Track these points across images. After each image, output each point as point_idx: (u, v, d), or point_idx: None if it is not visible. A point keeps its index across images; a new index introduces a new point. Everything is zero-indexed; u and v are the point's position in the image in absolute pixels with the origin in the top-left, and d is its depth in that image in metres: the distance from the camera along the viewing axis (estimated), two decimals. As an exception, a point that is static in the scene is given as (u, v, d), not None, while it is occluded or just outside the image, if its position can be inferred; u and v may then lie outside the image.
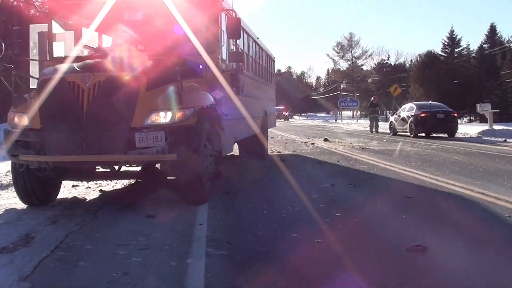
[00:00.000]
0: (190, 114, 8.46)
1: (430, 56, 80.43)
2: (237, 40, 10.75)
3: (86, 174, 9.55)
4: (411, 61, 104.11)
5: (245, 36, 13.70)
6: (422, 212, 8.50)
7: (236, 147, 16.42)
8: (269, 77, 20.40)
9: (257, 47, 16.58)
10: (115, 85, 8.25)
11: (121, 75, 8.36)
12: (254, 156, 17.21)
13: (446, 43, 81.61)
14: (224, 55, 10.67)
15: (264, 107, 17.97)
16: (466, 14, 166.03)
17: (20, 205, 9.26)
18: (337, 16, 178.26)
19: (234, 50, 10.62)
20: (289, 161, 16.66)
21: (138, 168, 9.54)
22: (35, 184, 9.05)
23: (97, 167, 9.39)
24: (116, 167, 9.25)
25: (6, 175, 12.12)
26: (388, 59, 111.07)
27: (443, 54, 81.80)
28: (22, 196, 9.21)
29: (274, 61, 22.26)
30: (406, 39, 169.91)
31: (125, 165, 9.08)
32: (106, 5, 10.00)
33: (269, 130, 20.07)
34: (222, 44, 10.37)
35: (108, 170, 9.35)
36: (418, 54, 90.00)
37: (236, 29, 10.00)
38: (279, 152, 20.54)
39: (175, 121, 8.31)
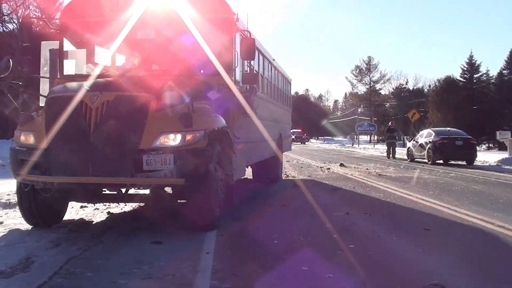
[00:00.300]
0: (200, 136, 8.19)
1: (448, 82, 79.86)
2: (252, 61, 10.48)
3: (92, 196, 9.28)
4: (429, 86, 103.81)
5: (261, 57, 13.45)
6: (441, 246, 8.13)
7: (249, 170, 16.12)
8: (285, 100, 20.13)
9: (272, 68, 16.32)
10: (124, 105, 8.02)
11: (130, 94, 8.13)
12: (268, 180, 16.92)
13: (465, 69, 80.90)
14: (238, 77, 10.41)
15: (279, 130, 17.68)
16: (485, 39, 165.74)
17: (25, 225, 9.02)
18: (356, 39, 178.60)
19: (248, 72, 10.34)
20: (303, 186, 16.32)
21: (147, 191, 9.26)
22: (40, 205, 8.82)
23: (104, 189, 9.10)
24: (124, 190, 8.93)
25: (14, 193, 11.86)
26: (406, 84, 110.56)
27: (462, 79, 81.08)
28: (27, 217, 8.98)
29: (290, 83, 21.96)
30: (425, 64, 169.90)
31: (132, 188, 8.78)
32: (119, 23, 9.83)
33: (284, 153, 19.72)
34: (236, 65, 10.11)
35: (115, 192, 9.05)
36: (437, 79, 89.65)
37: (250, 50, 9.75)
38: (294, 176, 20.20)
39: (185, 144, 8.04)
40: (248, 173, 16.44)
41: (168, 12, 9.70)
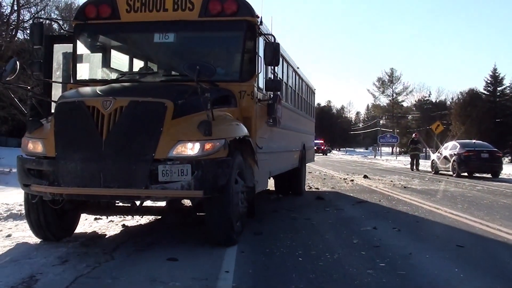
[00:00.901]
0: (220, 146, 7.65)
1: (472, 94, 79.26)
2: (276, 68, 9.96)
3: (105, 208, 8.82)
4: (452, 98, 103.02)
5: (285, 64, 12.91)
6: (476, 265, 7.55)
7: (271, 181, 15.56)
8: (308, 110, 19.61)
9: (297, 77, 15.76)
10: (139, 112, 7.54)
11: (145, 100, 7.63)
12: (291, 192, 16.40)
13: (488, 81, 79.90)
14: (261, 83, 9.89)
15: (302, 140, 17.11)
16: (509, 52, 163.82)
17: (34, 239, 8.53)
18: (379, 51, 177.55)
19: (272, 78, 9.82)
20: (327, 198, 15.80)
21: (163, 203, 8.73)
22: (49, 217, 8.34)
23: (117, 201, 8.56)
24: (138, 202, 8.38)
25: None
26: (429, 96, 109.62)
27: (485, 92, 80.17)
28: (35, 230, 8.48)
29: (314, 93, 21.48)
30: (448, 76, 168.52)
31: (147, 201, 8.24)
32: (135, 26, 9.43)
33: (307, 164, 19.14)
34: (259, 71, 9.57)
35: (129, 204, 8.51)
36: (460, 92, 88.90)
37: (274, 55, 9.23)
38: (317, 188, 19.73)
39: (204, 154, 7.51)
40: (270, 184, 15.86)
41: (187, 14, 9.24)
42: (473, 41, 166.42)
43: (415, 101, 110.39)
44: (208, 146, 7.53)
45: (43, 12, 28.48)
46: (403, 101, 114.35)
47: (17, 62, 7.77)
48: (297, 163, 15.82)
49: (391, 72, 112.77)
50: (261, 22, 9.51)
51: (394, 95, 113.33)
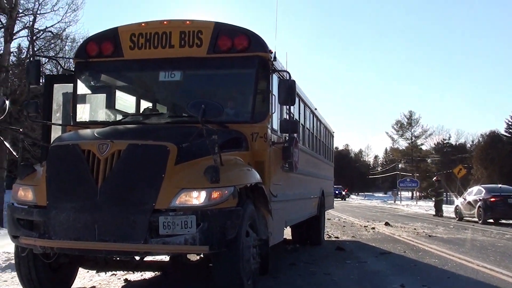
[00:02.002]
0: (229, 194, 6.85)
1: (493, 137, 78.62)
2: (291, 108, 9.21)
3: (103, 263, 8.01)
4: (472, 141, 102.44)
5: (301, 104, 12.17)
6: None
7: (288, 229, 14.71)
8: (327, 153, 18.87)
9: (314, 118, 15.03)
10: (138, 156, 6.83)
11: (145, 144, 6.91)
12: (308, 242, 15.52)
13: (509, 123, 79.17)
14: (275, 124, 9.13)
15: (321, 186, 16.32)
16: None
17: (25, 295, 7.72)
18: (397, 93, 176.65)
19: (288, 119, 9.07)
20: (348, 249, 14.95)
21: (166, 257, 7.91)
22: (41, 272, 7.63)
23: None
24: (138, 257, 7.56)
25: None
26: (449, 139, 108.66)
27: (506, 134, 79.39)
28: (26, 286, 7.73)
29: (333, 136, 20.82)
30: (467, 119, 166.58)
31: (145, 256, 7.42)
32: (139, 64, 8.84)
33: (326, 211, 18.30)
34: (273, 111, 8.81)
35: (128, 259, 7.69)
36: (481, 134, 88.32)
37: (290, 93, 8.49)
38: (337, 237, 18.91)
39: (210, 203, 6.71)
40: (287, 232, 15.02)
41: (194, 51, 8.60)
42: (492, 82, 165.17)
43: (434, 144, 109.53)
44: (215, 194, 6.75)
45: (60, 55, 28.06)
46: (422, 144, 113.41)
47: (6, 102, 7.08)
48: (315, 211, 15.02)
49: (409, 114, 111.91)
50: (274, 57, 8.81)
51: (413, 138, 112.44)
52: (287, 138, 9.26)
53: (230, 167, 7.23)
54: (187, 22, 8.72)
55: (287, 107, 9.19)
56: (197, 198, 6.70)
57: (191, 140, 6.99)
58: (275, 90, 8.80)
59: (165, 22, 8.78)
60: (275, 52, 8.81)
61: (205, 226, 6.58)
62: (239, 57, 8.54)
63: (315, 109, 14.98)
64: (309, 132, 13.85)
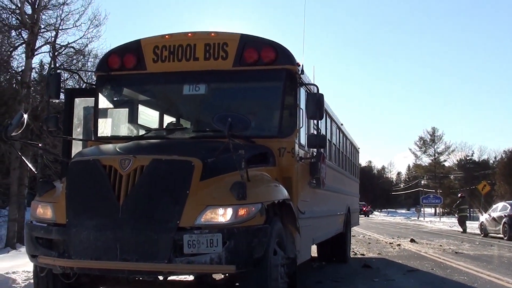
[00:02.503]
0: (256, 211, 6.53)
1: (516, 153, 78.10)
2: (319, 122, 8.92)
3: (126, 283, 7.67)
4: (495, 157, 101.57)
5: (328, 119, 11.89)
6: None
7: (313, 247, 14.38)
8: (353, 169, 18.60)
9: (341, 134, 14.76)
10: (161, 172, 6.55)
11: (169, 159, 6.64)
12: (334, 259, 15.19)
13: (533, 139, 78.58)
14: (303, 139, 8.84)
15: (347, 202, 16.03)
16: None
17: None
18: (420, 110, 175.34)
19: (315, 134, 8.79)
20: (374, 266, 14.60)
21: (191, 277, 7.65)
22: None
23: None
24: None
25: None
26: (472, 155, 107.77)
27: (529, 150, 78.84)
28: None
29: (358, 152, 20.58)
30: (489, 134, 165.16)
31: (169, 276, 7.13)
32: (163, 77, 8.62)
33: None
34: (301, 125, 8.55)
35: (151, 279, 7.40)
36: (504, 150, 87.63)
37: (318, 108, 8.22)
38: (363, 254, 18.59)
39: (237, 221, 6.40)
40: (312, 249, 14.70)
41: (219, 64, 8.37)
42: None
43: (457, 160, 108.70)
44: (242, 211, 6.45)
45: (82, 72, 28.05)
46: (445, 160, 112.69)
47: (24, 116, 6.84)
48: (341, 227, 14.68)
49: (432, 131, 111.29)
50: (302, 71, 8.55)
51: (436, 154, 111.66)
52: (314, 153, 8.97)
53: (257, 183, 6.94)
54: (212, 34, 8.48)
55: (314, 121, 8.89)
56: (223, 215, 6.41)
57: (217, 155, 6.72)
58: (302, 104, 8.53)
59: (189, 34, 8.55)
60: (302, 65, 8.55)
61: (232, 244, 6.28)
62: (265, 70, 8.28)
63: (341, 124, 14.72)
64: (335, 147, 13.57)
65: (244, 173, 6.45)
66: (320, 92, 8.40)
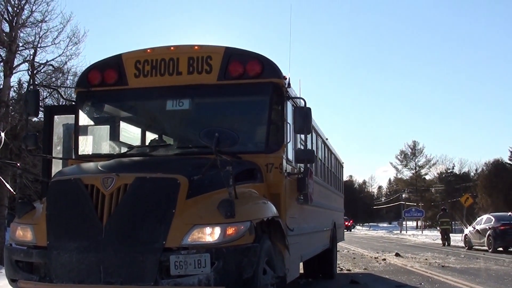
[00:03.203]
0: (245, 230, 6.32)
1: (497, 165, 78.68)
2: (306, 137, 8.73)
3: (109, 306, 7.41)
4: (476, 170, 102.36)
5: (314, 134, 11.68)
6: None
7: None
8: (338, 184, 18.44)
9: (326, 149, 14.59)
10: (146, 190, 6.33)
11: (153, 177, 6.42)
12: (321, 275, 14.96)
13: (513, 151, 79.08)
14: (290, 155, 8.63)
15: (333, 218, 15.83)
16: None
17: None
18: (400, 124, 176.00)
19: (303, 149, 8.60)
20: (362, 282, 14.43)
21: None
22: None
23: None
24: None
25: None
26: (452, 168, 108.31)
27: (510, 162, 79.15)
28: None
29: (343, 167, 20.43)
30: (469, 147, 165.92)
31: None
32: (145, 92, 8.44)
33: (336, 244, 17.83)
34: (288, 140, 8.35)
35: None
36: (485, 163, 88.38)
37: (306, 121, 8.07)
38: (349, 270, 18.38)
39: (225, 240, 6.19)
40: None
41: (203, 78, 8.19)
42: (495, 111, 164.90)
43: (438, 173, 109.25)
44: (230, 230, 6.23)
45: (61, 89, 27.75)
46: (426, 174, 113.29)
47: (2, 135, 6.61)
48: (328, 243, 14.48)
49: (413, 144, 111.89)
50: (288, 84, 8.36)
51: (417, 168, 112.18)
52: (301, 168, 8.77)
53: (245, 201, 6.73)
54: (196, 47, 8.29)
55: (301, 136, 8.71)
56: (211, 234, 6.19)
57: (203, 172, 6.49)
58: (289, 118, 8.36)
59: (172, 48, 8.36)
60: (289, 78, 8.37)
61: (220, 265, 6.07)
62: (251, 83, 8.10)
63: (326, 139, 14.56)
64: (321, 162, 13.40)
65: (232, 190, 6.24)
66: (307, 105, 8.22)
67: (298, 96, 8.71)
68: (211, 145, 6.27)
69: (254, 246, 6.41)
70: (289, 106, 8.52)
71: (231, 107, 8.69)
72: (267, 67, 8.11)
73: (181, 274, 6.03)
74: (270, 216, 7.06)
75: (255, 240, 6.49)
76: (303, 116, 8.00)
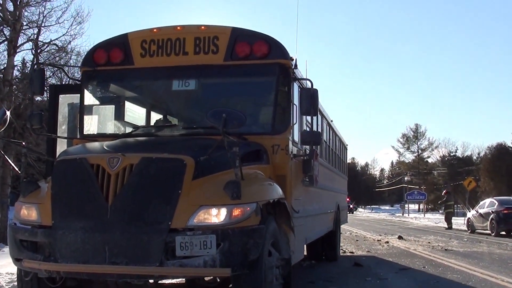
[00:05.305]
0: (251, 211, 6.28)
1: (500, 149, 78.45)
2: (312, 119, 8.66)
3: (114, 286, 7.40)
4: (479, 153, 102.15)
5: (319, 116, 11.59)
6: None
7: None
8: (342, 167, 18.35)
9: (331, 131, 14.51)
10: (152, 170, 6.28)
11: (159, 157, 6.36)
12: (324, 258, 15.02)
13: (516, 135, 79.04)
14: (296, 136, 8.56)
15: (337, 200, 15.82)
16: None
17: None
18: (403, 106, 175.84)
19: (310, 130, 8.54)
20: (365, 264, 14.36)
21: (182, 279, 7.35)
22: None
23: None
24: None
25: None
26: (455, 152, 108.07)
27: (513, 146, 79.15)
28: None
29: (347, 149, 20.31)
30: (472, 131, 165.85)
31: (160, 280, 6.84)
32: (151, 72, 8.34)
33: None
34: (294, 122, 8.28)
35: (141, 283, 7.10)
36: (488, 147, 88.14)
37: (312, 103, 7.97)
38: (352, 252, 18.32)
39: (231, 221, 6.15)
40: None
41: (210, 58, 8.09)
42: (498, 95, 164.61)
43: (440, 156, 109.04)
44: (236, 212, 6.19)
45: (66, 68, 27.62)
46: (428, 157, 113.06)
47: (7, 113, 6.53)
48: (332, 225, 14.44)
49: (416, 127, 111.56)
50: (295, 65, 8.27)
51: (419, 151, 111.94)
52: (307, 150, 8.71)
53: (252, 182, 6.69)
54: (202, 27, 8.20)
55: (307, 117, 8.65)
56: (217, 216, 6.15)
57: (209, 152, 6.44)
58: (295, 100, 8.28)
59: (178, 28, 8.26)
60: (296, 59, 8.28)
61: (226, 246, 6.04)
62: (258, 64, 8.01)
63: (331, 121, 14.46)
64: (325, 144, 13.29)
65: (238, 171, 6.19)
66: (314, 87, 8.15)
67: (305, 77, 8.64)
68: (218, 126, 6.22)
69: (260, 228, 6.37)
70: (296, 88, 8.44)
71: (237, 88, 8.61)
72: (274, 48, 8.02)
73: (186, 255, 5.99)
74: (276, 198, 7.03)
75: (261, 221, 6.45)
76: (310, 97, 7.91)
